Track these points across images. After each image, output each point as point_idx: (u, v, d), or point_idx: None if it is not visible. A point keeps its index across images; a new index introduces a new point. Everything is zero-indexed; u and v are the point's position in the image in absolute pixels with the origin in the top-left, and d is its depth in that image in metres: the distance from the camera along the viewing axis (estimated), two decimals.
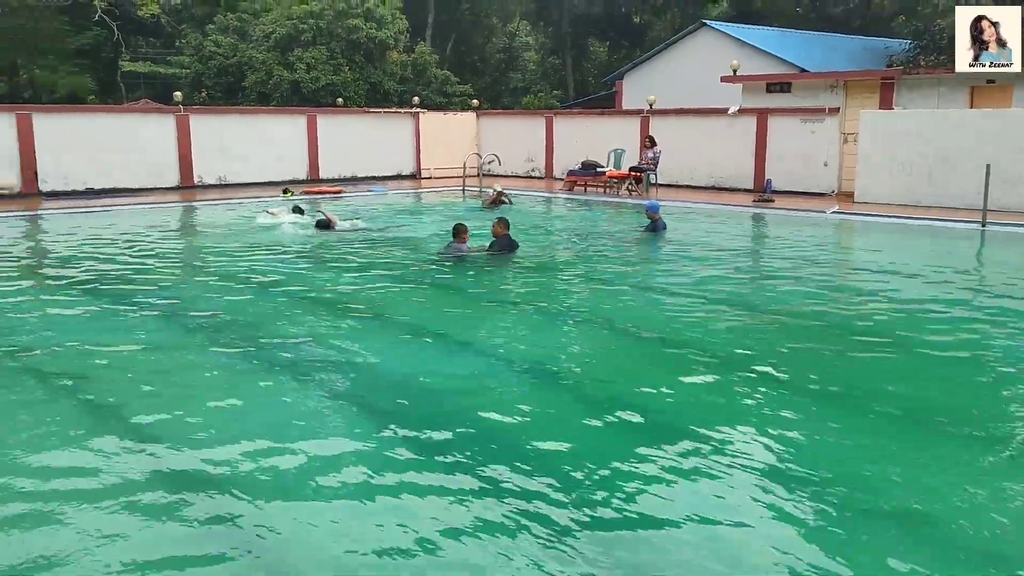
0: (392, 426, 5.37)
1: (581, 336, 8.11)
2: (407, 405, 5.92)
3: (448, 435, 5.24)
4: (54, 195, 19.13)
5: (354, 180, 24.29)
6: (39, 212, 16.89)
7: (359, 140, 24.91)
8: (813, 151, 19.92)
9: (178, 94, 23.48)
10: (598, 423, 5.56)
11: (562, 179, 23.35)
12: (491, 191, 18.36)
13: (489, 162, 23.96)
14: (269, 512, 4.26)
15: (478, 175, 22.48)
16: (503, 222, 11.66)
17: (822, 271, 11.62)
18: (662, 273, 11.54)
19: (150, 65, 46.32)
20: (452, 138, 26.35)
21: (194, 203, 18.88)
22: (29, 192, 19.01)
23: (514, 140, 26.20)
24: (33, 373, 6.56)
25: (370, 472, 4.70)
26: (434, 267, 11.25)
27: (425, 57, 35.48)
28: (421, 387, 6.30)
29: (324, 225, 14.13)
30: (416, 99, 28.21)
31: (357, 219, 15.48)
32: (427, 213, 18.43)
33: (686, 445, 5.07)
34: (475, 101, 31.01)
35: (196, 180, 21.65)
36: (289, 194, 19.89)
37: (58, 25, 33.70)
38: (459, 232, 11.39)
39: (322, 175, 23.86)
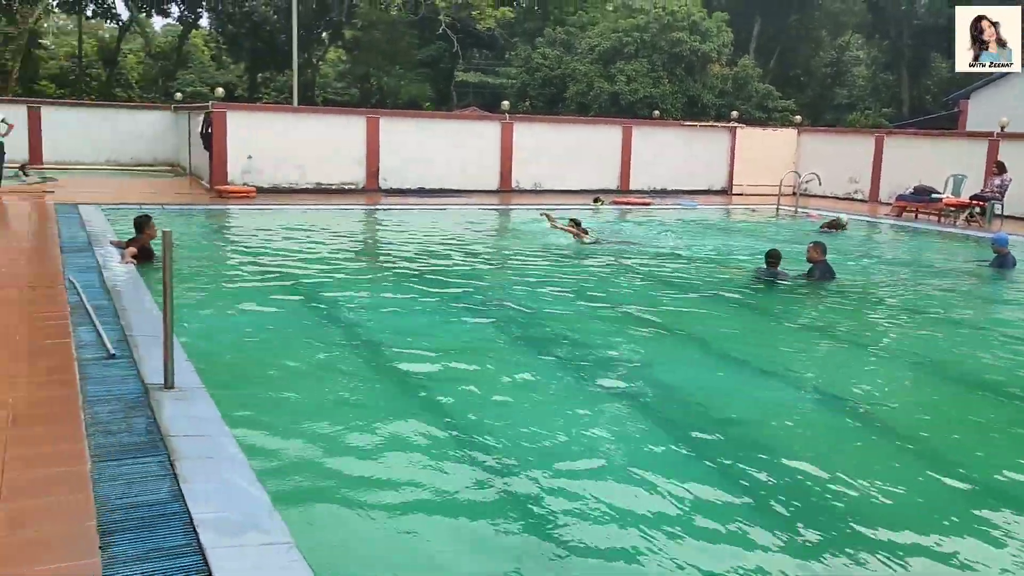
0: (684, 447, 5.15)
1: (903, 378, 7.32)
2: (705, 429, 5.64)
3: (751, 471, 4.90)
4: (392, 192, 20.99)
5: (663, 192, 24.13)
6: (377, 207, 18.58)
7: (672, 153, 24.72)
8: None
9: (506, 103, 24.77)
10: (922, 479, 4.94)
11: (889, 204, 21.57)
12: (832, 216, 17.14)
13: (807, 181, 22.74)
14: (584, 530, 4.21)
15: (794, 194, 21.43)
16: (819, 247, 10.91)
17: None
18: (1010, 314, 10.19)
19: (480, 75, 49.58)
20: (769, 155, 25.34)
21: (510, 206, 19.75)
22: (371, 188, 21.00)
23: (836, 160, 24.61)
24: (367, 359, 7.11)
25: (664, 492, 4.51)
26: (745, 289, 10.80)
27: (747, 71, 34.60)
28: (721, 412, 5.99)
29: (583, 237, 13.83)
30: (735, 113, 27.49)
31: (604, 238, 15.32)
32: (737, 231, 17.84)
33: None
34: (797, 117, 29.66)
35: (514, 185, 22.67)
36: (599, 203, 20.18)
37: (408, 38, 37.00)
38: (773, 257, 10.86)
39: (632, 186, 23.97)
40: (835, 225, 16.69)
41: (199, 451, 4.27)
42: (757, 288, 10.73)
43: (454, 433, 5.34)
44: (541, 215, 14.90)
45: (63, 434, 4.35)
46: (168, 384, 5.12)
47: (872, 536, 4.17)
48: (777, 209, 20.65)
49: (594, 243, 13.71)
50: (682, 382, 6.75)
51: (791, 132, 26.36)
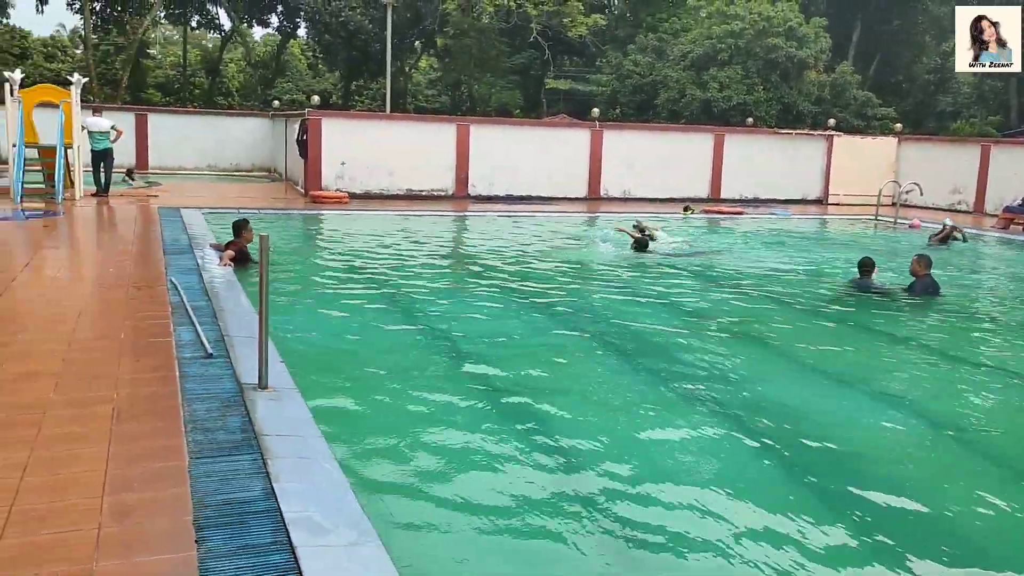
0: (779, 467, 5.00)
1: (1014, 402, 6.97)
2: (800, 449, 5.47)
3: (851, 495, 4.72)
4: (480, 198, 21.17)
5: (755, 202, 23.70)
6: (466, 213, 18.74)
7: (765, 161, 24.25)
8: None
9: (596, 111, 24.75)
10: None
11: (995, 215, 20.67)
12: (943, 225, 16.42)
13: (908, 191, 21.97)
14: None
15: (894, 204, 20.73)
16: (924, 260, 10.50)
17: None
18: None
19: (570, 82, 49.55)
20: (867, 163, 24.59)
21: (599, 214, 19.67)
22: (460, 194, 21.23)
23: (939, 169, 23.69)
24: (449, 360, 7.16)
25: (759, 515, 4.38)
26: (842, 301, 10.47)
27: (846, 77, 33.67)
28: (818, 432, 5.79)
29: (643, 246, 13.56)
30: (832, 121, 26.79)
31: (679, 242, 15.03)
32: (834, 242, 17.34)
33: None
34: (897, 125, 28.71)
35: (602, 192, 22.61)
36: (690, 211, 19.94)
37: (499, 46, 37.26)
38: (865, 267, 10.54)
39: (723, 195, 23.64)
40: (946, 237, 15.93)
41: (291, 450, 4.36)
42: (853, 301, 10.40)
43: (540, 440, 5.31)
44: (618, 229, 14.63)
45: (163, 430, 4.50)
46: (262, 384, 5.25)
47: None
48: (876, 219, 20.07)
49: (648, 238, 13.54)
50: (775, 398, 6.57)
51: (891, 141, 25.55)
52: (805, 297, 10.89)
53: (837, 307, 10.23)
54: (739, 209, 21.29)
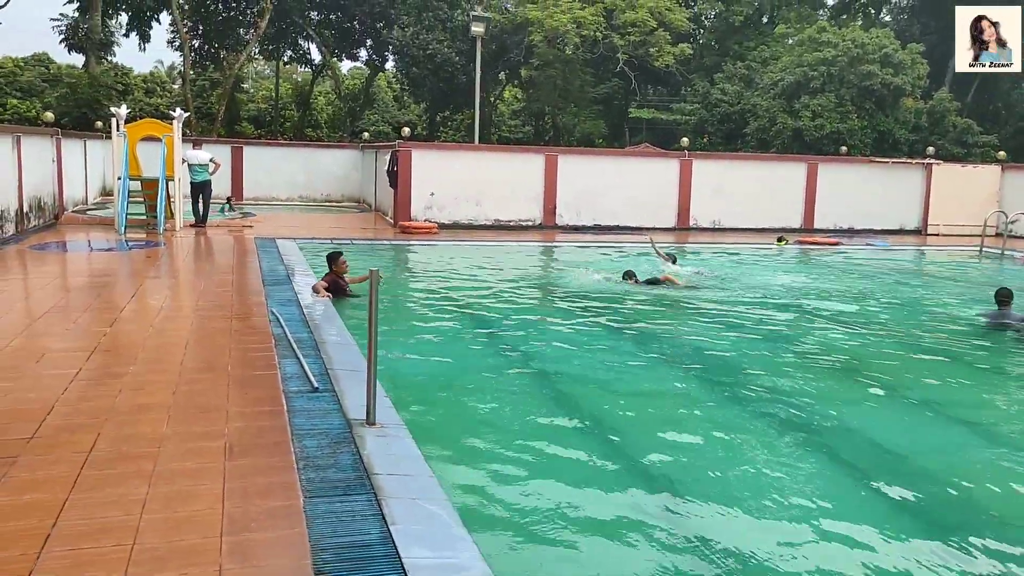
0: (904, 514, 4.69)
1: None
2: (927, 496, 5.15)
3: (985, 549, 4.40)
4: (567, 228, 21.09)
5: (850, 231, 23.02)
6: (554, 243, 18.66)
7: (860, 190, 23.56)
8: None
9: (685, 140, 24.45)
10: None
11: None
12: None
13: (1013, 221, 21.05)
14: None
15: (999, 235, 19.87)
16: None
17: None
18: None
19: (653, 111, 49.22)
20: (969, 193, 23.66)
21: (686, 244, 19.35)
22: (548, 224, 21.18)
23: None
24: (551, 395, 7.03)
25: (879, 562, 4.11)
26: (967, 337, 9.98)
27: (944, 104, 32.59)
28: (943, 478, 5.45)
29: (629, 275, 12.88)
30: (931, 149, 25.90)
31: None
32: (938, 275, 16.66)
33: None
34: (1001, 153, 27.57)
35: (691, 223, 22.27)
36: (784, 242, 19.46)
37: (584, 76, 37.33)
38: (1004, 296, 10.03)
39: (816, 224, 23.06)
40: None
41: (404, 490, 4.27)
42: (982, 336, 9.88)
43: (645, 475, 5.14)
44: (648, 240, 14.27)
45: (275, 466, 4.47)
46: (370, 420, 5.20)
47: None
48: (981, 250, 19.26)
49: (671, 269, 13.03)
50: (895, 441, 6.23)
51: (994, 169, 24.50)
52: (920, 331, 10.42)
53: (961, 342, 9.73)
54: (835, 240, 20.69)
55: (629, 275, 12.94)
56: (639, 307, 11.25)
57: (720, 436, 6.12)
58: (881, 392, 7.60)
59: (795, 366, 8.41)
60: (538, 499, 4.84)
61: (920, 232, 23.80)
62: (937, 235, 23.32)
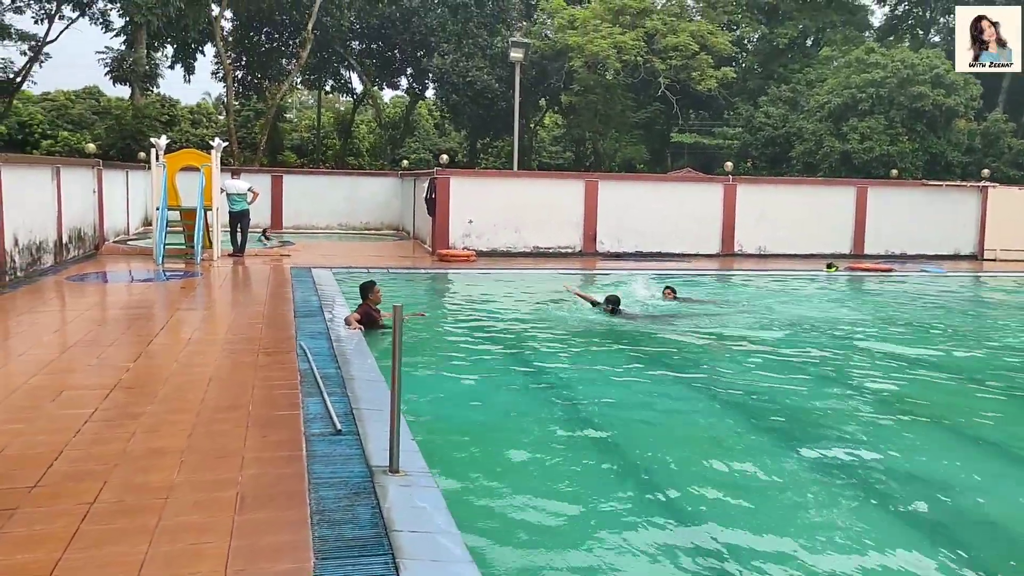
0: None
1: None
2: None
3: None
4: (608, 255, 20.70)
5: (902, 257, 22.30)
6: (595, 271, 18.25)
7: (912, 215, 22.86)
8: None
9: (729, 164, 24.01)
10: None
11: None
12: None
13: None
14: None
15: None
16: None
17: None
18: None
19: (695, 136, 48.62)
20: None
21: (732, 271, 18.83)
22: (588, 251, 20.81)
23: None
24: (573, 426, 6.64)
25: None
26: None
27: (999, 125, 31.68)
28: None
29: (615, 304, 12.12)
30: (986, 172, 25.09)
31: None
32: (1001, 303, 15.96)
33: None
34: None
35: (736, 249, 21.75)
36: (833, 268, 18.84)
37: (625, 101, 36.98)
38: None
39: (867, 250, 22.39)
40: None
41: (425, 551, 3.92)
42: None
43: (676, 523, 4.72)
44: (565, 287, 13.58)
45: (288, 521, 4.14)
46: (393, 467, 4.85)
47: None
48: None
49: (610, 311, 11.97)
50: (959, 489, 5.73)
51: None
52: (993, 369, 9.83)
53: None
54: (887, 266, 19.98)
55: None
56: (680, 338, 10.81)
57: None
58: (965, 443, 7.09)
59: (820, 395, 7.92)
60: (559, 555, 4.46)
61: (976, 257, 23.00)
62: (994, 260, 22.51)
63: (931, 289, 17.03)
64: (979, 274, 20.10)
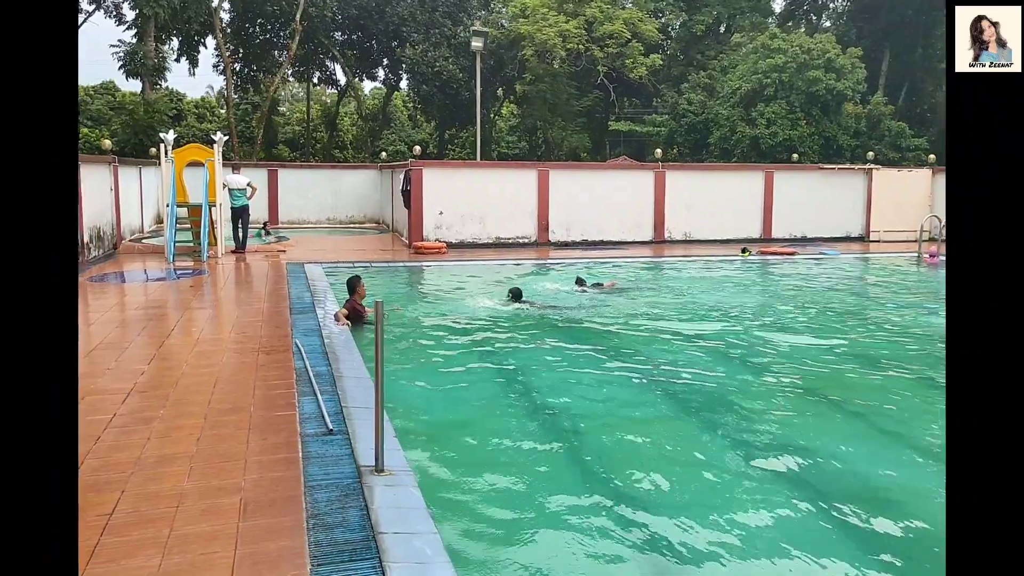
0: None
1: None
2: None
3: None
4: (559, 244, 20.01)
5: (803, 241, 22.06)
6: (548, 260, 17.49)
7: (810, 199, 22.50)
8: None
9: (658, 151, 23.56)
10: None
11: None
12: None
13: (944, 226, 20.40)
14: None
15: (933, 240, 19.10)
16: None
17: None
18: None
19: (629, 124, 47.32)
20: (905, 198, 22.81)
21: (663, 257, 18.60)
22: (542, 241, 20.10)
23: None
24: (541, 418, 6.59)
25: None
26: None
27: (880, 108, 31.30)
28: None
29: (517, 296, 11.74)
30: (870, 154, 24.99)
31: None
32: (886, 283, 16.10)
33: None
34: (931, 156, 26.64)
35: (666, 235, 21.24)
36: (747, 253, 18.62)
37: (569, 90, 35.59)
38: None
39: (774, 234, 22.09)
40: None
41: (408, 553, 3.83)
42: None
43: (633, 518, 4.70)
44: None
45: (286, 527, 4.03)
46: (379, 467, 4.76)
47: None
48: (919, 257, 18.46)
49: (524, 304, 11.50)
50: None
51: (926, 173, 23.45)
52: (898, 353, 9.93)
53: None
54: (791, 249, 19.31)
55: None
56: (626, 331, 10.78)
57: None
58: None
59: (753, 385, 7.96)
60: (543, 555, 4.37)
61: (863, 239, 22.72)
62: (878, 241, 22.22)
63: (821, 270, 16.99)
64: (866, 255, 19.60)
